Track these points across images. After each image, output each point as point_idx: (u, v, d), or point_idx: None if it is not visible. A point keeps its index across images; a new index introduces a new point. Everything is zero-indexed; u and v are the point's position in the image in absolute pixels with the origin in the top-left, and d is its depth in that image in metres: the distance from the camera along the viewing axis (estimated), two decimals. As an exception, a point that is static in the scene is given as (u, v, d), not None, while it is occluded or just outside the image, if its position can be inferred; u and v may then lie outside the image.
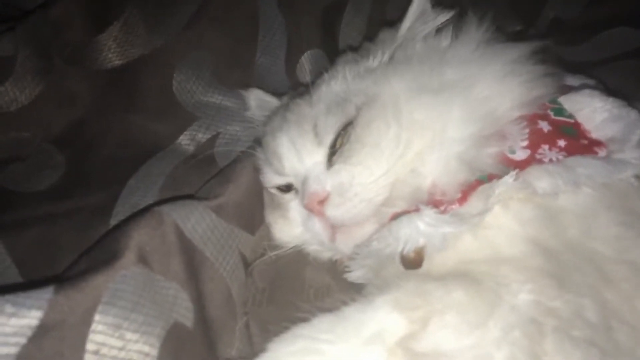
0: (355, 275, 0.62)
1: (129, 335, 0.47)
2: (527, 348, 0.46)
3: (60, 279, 0.46)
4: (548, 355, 0.46)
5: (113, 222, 0.73)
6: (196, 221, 0.60)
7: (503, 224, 0.55)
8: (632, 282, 0.50)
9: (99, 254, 0.53)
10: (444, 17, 0.70)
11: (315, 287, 0.68)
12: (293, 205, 0.70)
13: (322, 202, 0.61)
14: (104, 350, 0.46)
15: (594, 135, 0.60)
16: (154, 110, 0.85)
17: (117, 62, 0.86)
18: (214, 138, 0.85)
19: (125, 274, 0.49)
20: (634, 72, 1.04)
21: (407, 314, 0.49)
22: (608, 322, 0.48)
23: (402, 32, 0.71)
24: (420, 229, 0.54)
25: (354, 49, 0.80)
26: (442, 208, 0.56)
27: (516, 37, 1.07)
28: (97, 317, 0.45)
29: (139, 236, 0.53)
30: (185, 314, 0.56)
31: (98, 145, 0.84)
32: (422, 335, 0.49)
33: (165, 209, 0.58)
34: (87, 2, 0.86)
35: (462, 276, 0.52)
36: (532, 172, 0.55)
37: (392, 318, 0.50)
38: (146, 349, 0.49)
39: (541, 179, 0.54)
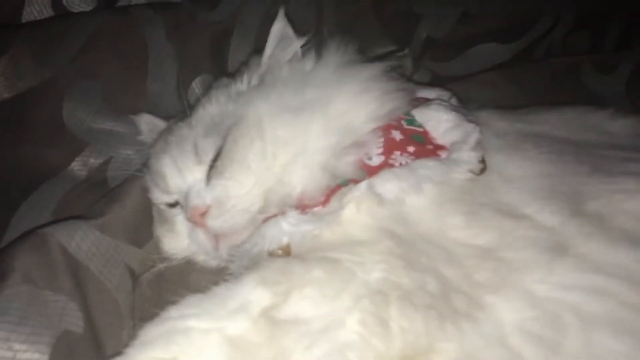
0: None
1: (17, 346, 0.52)
2: (375, 314, 0.52)
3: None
4: (393, 319, 0.53)
5: (3, 248, 0.75)
6: (80, 239, 0.64)
7: (357, 219, 0.62)
8: (475, 260, 0.58)
9: (-18, 277, 0.56)
10: (300, 42, 0.78)
11: (201, 290, 0.71)
12: (179, 219, 0.75)
13: (204, 214, 0.67)
14: (-6, 362, 0.49)
15: (439, 141, 0.69)
16: (45, 139, 0.86)
17: (5, 95, 0.88)
18: (107, 162, 0.88)
19: (8, 293, 0.54)
20: (492, 83, 1.17)
21: (271, 288, 0.54)
22: (447, 293, 0.55)
23: (265, 59, 0.79)
24: (284, 229, 0.61)
25: (232, 74, 0.86)
26: (307, 210, 0.64)
27: (387, 57, 1.18)
28: (-15, 333, 0.49)
29: (23, 257, 0.57)
30: (75, 321, 0.60)
31: (-12, 175, 0.85)
32: (284, 306, 0.54)
33: (49, 230, 0.62)
34: (-27, 39, 0.87)
35: (323, 259, 0.58)
36: (383, 175, 0.63)
37: (257, 291, 0.54)
38: (36, 356, 0.53)
39: (389, 181, 0.62)
